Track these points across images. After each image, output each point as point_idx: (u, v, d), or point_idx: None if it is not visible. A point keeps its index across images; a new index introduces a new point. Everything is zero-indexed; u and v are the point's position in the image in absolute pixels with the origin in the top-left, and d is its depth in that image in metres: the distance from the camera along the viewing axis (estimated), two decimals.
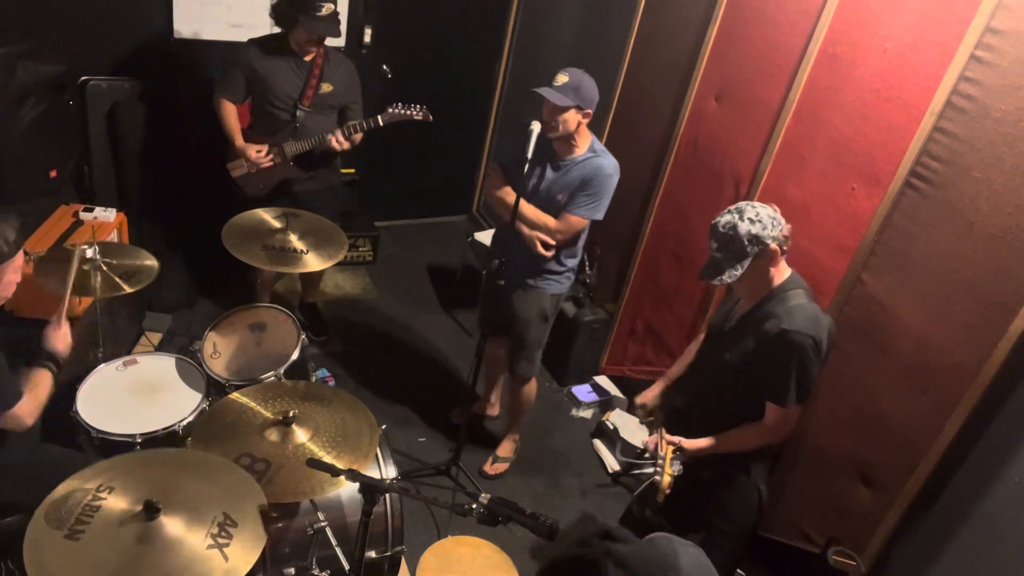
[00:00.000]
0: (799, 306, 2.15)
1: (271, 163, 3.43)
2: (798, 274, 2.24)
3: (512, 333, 3.14)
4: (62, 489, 1.77)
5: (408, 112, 3.35)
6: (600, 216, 2.86)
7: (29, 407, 2.11)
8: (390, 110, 3.35)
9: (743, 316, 2.27)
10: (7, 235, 2.03)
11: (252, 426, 2.23)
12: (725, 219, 2.09)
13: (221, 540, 1.72)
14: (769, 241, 2.06)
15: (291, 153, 3.43)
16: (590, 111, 2.74)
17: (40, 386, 2.17)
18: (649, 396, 2.62)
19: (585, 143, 2.82)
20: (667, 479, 2.17)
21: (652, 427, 2.57)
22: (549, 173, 2.86)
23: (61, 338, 2.28)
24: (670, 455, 2.22)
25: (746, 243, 2.06)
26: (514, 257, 2.91)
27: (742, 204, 2.11)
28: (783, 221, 2.11)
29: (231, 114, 3.42)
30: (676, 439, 2.30)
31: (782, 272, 2.19)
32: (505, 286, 2.94)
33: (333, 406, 2.33)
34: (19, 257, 2.08)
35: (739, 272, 2.08)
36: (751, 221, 2.05)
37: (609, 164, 2.82)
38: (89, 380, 2.57)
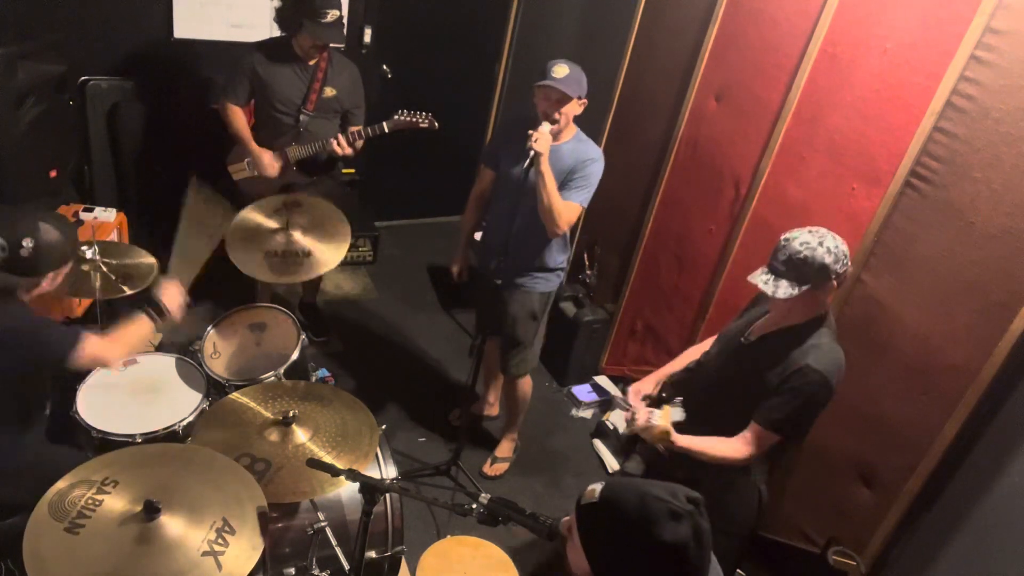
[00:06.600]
0: (827, 345, 2.09)
1: (276, 170, 3.43)
2: (830, 313, 2.18)
3: (502, 332, 3.14)
4: (68, 479, 1.78)
5: (414, 120, 3.30)
6: (586, 204, 2.84)
7: (104, 343, 2.09)
8: (396, 117, 3.30)
9: (766, 336, 2.20)
10: (73, 237, 2.05)
11: (252, 426, 2.23)
12: (803, 239, 2.01)
13: (217, 548, 1.71)
14: (833, 277, 2.02)
15: (295, 158, 3.42)
16: (586, 100, 2.77)
17: (128, 329, 2.17)
18: (647, 385, 2.50)
19: (570, 132, 2.83)
20: (661, 424, 2.06)
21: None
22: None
23: (172, 295, 2.29)
24: (667, 408, 2.10)
25: (814, 270, 2.00)
26: (505, 256, 2.90)
27: (823, 231, 2.04)
28: (850, 262, 2.05)
29: (239, 117, 3.39)
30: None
31: (823, 307, 2.14)
32: (500, 286, 2.94)
33: (333, 406, 2.33)
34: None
35: (795, 292, 2.00)
36: (828, 251, 1.99)
37: (595, 151, 2.83)
38: (89, 380, 2.56)
